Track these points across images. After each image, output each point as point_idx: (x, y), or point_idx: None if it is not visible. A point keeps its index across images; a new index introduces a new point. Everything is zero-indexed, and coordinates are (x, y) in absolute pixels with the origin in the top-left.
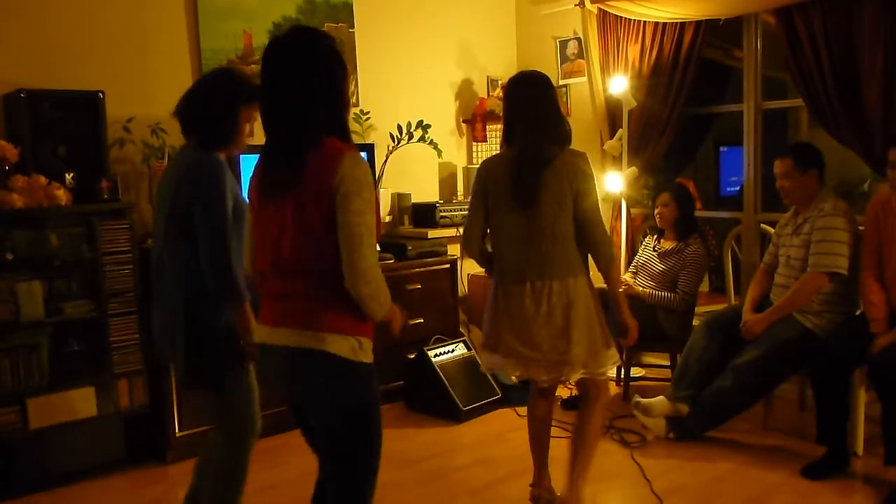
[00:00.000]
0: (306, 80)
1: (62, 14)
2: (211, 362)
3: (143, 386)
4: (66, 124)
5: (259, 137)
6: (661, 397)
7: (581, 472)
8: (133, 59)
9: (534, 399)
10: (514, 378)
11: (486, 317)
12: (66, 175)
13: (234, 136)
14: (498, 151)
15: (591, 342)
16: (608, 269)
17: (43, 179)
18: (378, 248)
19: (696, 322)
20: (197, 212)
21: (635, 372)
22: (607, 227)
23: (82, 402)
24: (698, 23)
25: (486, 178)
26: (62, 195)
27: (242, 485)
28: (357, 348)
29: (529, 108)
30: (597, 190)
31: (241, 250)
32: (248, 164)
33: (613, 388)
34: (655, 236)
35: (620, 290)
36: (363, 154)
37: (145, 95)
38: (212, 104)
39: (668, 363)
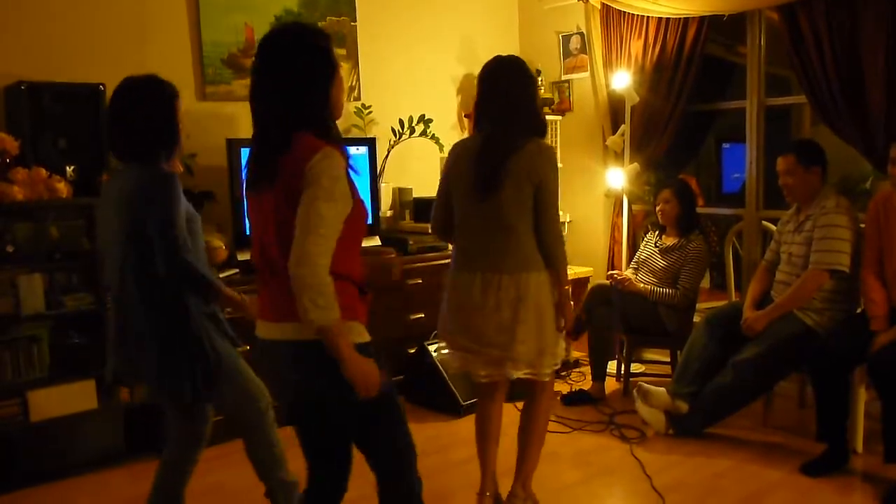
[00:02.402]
0: (286, 77)
1: (63, 6)
2: (203, 378)
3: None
4: (66, 117)
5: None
6: (662, 389)
7: (527, 474)
8: (134, 51)
9: (483, 398)
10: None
11: (440, 310)
12: (67, 168)
13: (178, 139)
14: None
15: (540, 341)
16: (558, 269)
17: (44, 172)
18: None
19: (696, 319)
20: (154, 227)
21: (635, 368)
22: (608, 223)
23: (83, 395)
24: (702, 19)
25: (452, 163)
26: (63, 188)
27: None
28: (361, 325)
29: (501, 93)
30: (558, 185)
31: (200, 249)
32: None
33: (613, 384)
34: (657, 232)
35: (566, 287)
36: (364, 148)
37: None
38: (157, 113)
39: (668, 359)
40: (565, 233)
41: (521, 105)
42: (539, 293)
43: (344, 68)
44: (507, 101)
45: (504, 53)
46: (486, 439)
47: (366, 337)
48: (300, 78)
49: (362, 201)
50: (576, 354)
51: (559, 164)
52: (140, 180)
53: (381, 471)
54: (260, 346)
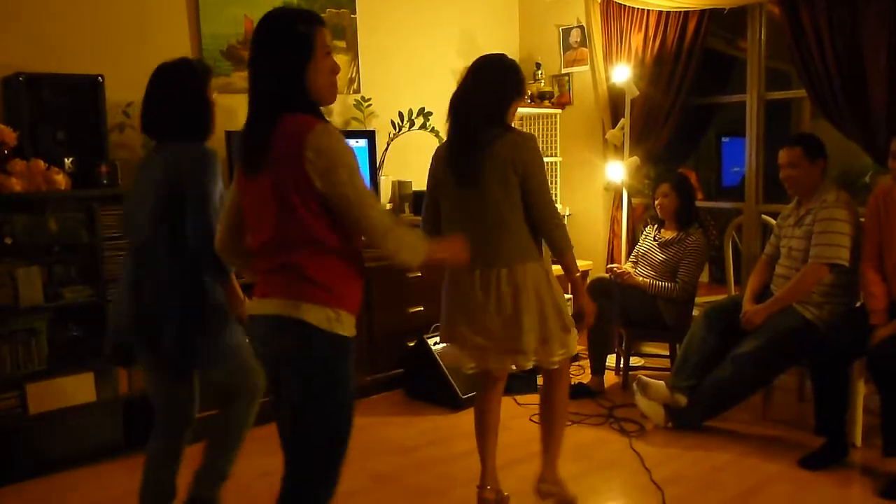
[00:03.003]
0: (262, 60)
1: None
2: (211, 339)
3: (142, 371)
4: (65, 109)
5: None
6: (661, 382)
7: (552, 458)
8: (133, 43)
9: (482, 391)
10: (468, 370)
11: (441, 307)
12: (66, 160)
13: (213, 120)
14: None
15: (543, 330)
16: (562, 255)
17: (42, 164)
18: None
19: (695, 312)
20: (191, 202)
21: (634, 361)
22: (608, 217)
23: (81, 387)
24: (702, 12)
25: (436, 165)
26: (61, 180)
27: None
28: (333, 319)
29: (473, 89)
30: (545, 171)
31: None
32: None
33: (612, 378)
34: (656, 226)
35: (577, 275)
36: (364, 141)
37: (145, 80)
38: (187, 98)
39: (667, 353)
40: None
41: (489, 98)
42: (537, 282)
43: (343, 61)
44: (477, 98)
45: (505, 47)
46: (485, 433)
47: (349, 331)
48: (274, 60)
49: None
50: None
51: (559, 158)
52: (184, 155)
53: (298, 470)
54: (249, 321)
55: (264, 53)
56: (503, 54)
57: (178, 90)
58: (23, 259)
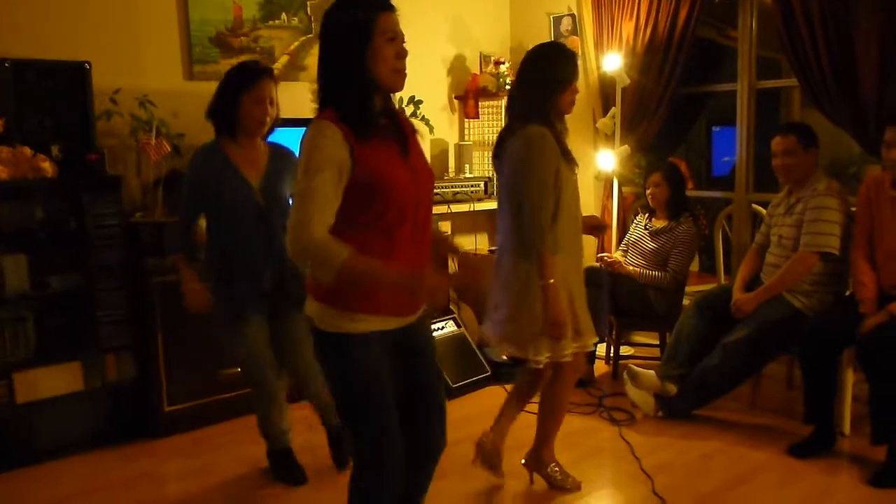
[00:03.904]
0: (320, 51)
1: None
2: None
3: (130, 360)
4: (51, 95)
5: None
6: (651, 371)
7: (539, 442)
8: (120, 28)
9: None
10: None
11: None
12: (52, 147)
13: (236, 122)
14: (490, 127)
15: (517, 329)
16: (534, 256)
17: (28, 151)
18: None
19: (686, 302)
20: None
21: (624, 351)
22: (598, 206)
23: (69, 376)
24: (693, 0)
25: None
26: (48, 167)
27: None
28: (323, 315)
29: (513, 85)
30: (534, 172)
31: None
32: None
33: (602, 367)
34: (647, 215)
35: (550, 281)
36: None
37: (133, 66)
38: (217, 97)
39: (657, 342)
40: None
41: (525, 91)
42: (524, 280)
43: None
44: (516, 89)
45: (495, 35)
46: (510, 400)
47: (338, 327)
48: (324, 51)
49: (381, 174)
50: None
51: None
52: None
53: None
54: None
55: (319, 45)
56: (547, 43)
57: (220, 90)
58: (9, 247)
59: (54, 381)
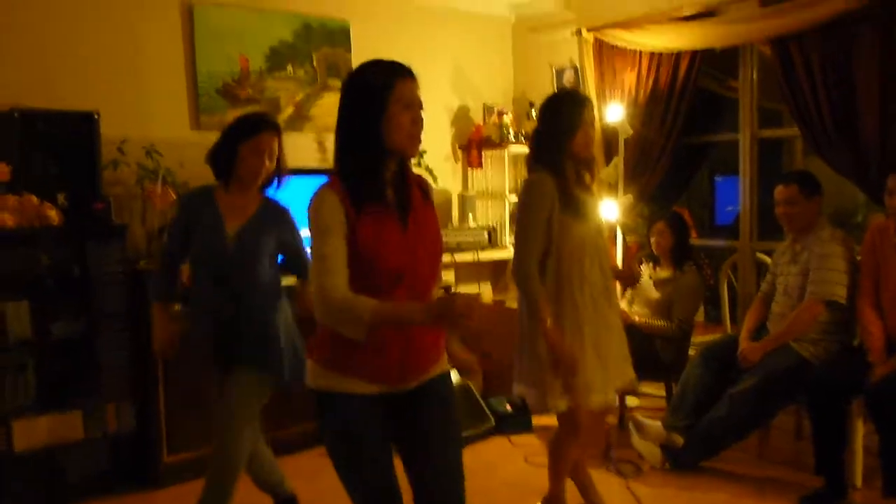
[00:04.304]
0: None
1: (58, 33)
2: None
3: (131, 409)
4: (59, 144)
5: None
6: (657, 422)
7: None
8: (128, 79)
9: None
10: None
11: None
12: (59, 195)
13: (232, 169)
14: (493, 178)
15: (523, 371)
16: (523, 298)
17: (35, 199)
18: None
19: (692, 352)
20: None
21: (631, 401)
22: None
23: (69, 424)
24: (694, 53)
25: None
26: (54, 215)
27: None
28: (312, 373)
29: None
30: (523, 214)
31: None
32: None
33: (608, 418)
34: (651, 264)
35: (546, 322)
36: None
37: (140, 117)
38: (218, 143)
39: (663, 392)
40: None
41: (538, 137)
42: (523, 322)
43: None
44: (531, 137)
45: (499, 86)
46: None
47: (320, 384)
48: (340, 115)
49: (370, 246)
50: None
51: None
52: None
53: None
54: None
55: (338, 109)
56: (556, 92)
57: (221, 137)
58: (12, 293)
59: (54, 429)
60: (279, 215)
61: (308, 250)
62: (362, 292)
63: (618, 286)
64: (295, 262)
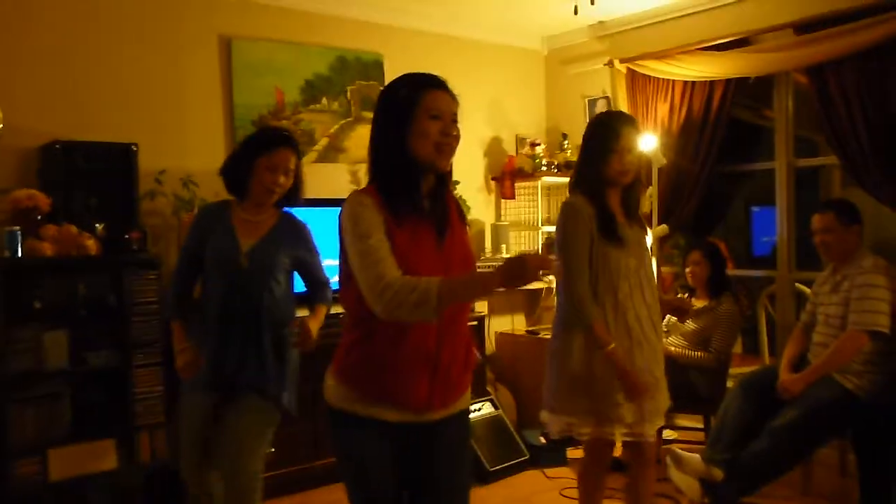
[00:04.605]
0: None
1: (98, 67)
2: None
3: (165, 439)
4: (99, 176)
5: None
6: (696, 455)
7: None
8: (167, 112)
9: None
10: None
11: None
12: (97, 225)
13: (246, 185)
14: (526, 207)
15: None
16: (585, 326)
17: (73, 229)
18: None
19: (729, 384)
20: None
21: (668, 435)
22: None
23: (103, 453)
24: (728, 81)
25: None
26: (92, 245)
27: None
28: (333, 391)
29: None
30: (565, 244)
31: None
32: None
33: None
34: (687, 295)
35: (610, 347)
36: None
37: (178, 148)
38: (233, 156)
39: (701, 426)
40: None
41: (577, 161)
42: (559, 350)
43: None
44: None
45: (531, 117)
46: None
47: (340, 403)
48: (372, 128)
49: (404, 257)
50: None
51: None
52: None
53: None
54: None
55: (371, 123)
56: (598, 114)
57: (235, 152)
58: (50, 323)
59: (88, 458)
60: (297, 231)
61: (335, 262)
62: (375, 322)
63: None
64: (310, 281)
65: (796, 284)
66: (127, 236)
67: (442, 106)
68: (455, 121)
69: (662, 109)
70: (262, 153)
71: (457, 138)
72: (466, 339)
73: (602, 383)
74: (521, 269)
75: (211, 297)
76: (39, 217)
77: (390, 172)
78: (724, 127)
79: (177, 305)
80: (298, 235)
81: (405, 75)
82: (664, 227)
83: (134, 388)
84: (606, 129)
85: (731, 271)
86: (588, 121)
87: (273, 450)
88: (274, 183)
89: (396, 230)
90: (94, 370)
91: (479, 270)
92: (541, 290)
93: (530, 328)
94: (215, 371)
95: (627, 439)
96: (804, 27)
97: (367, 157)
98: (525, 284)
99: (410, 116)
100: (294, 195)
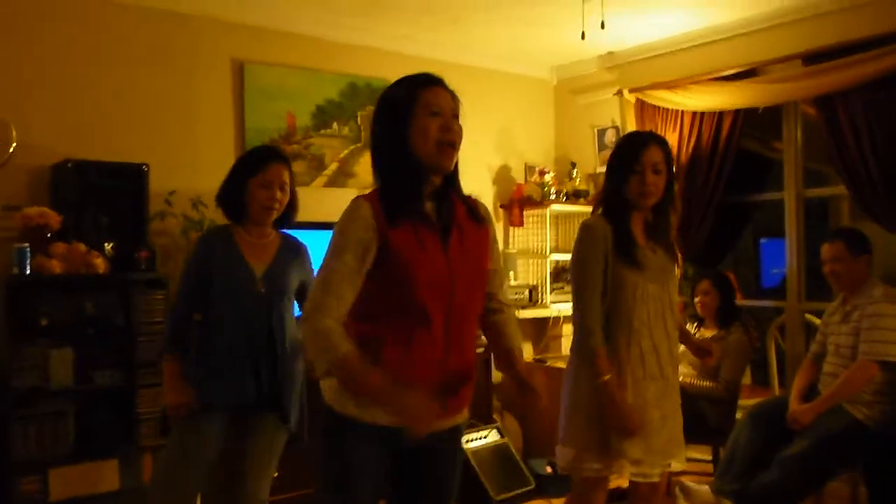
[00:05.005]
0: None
1: (112, 87)
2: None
3: None
4: (110, 195)
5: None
6: (706, 486)
7: None
8: (179, 133)
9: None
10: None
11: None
12: (106, 244)
13: (244, 208)
14: (534, 235)
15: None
16: (585, 351)
17: (83, 247)
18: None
19: (739, 414)
20: None
21: (676, 465)
22: None
23: (105, 474)
24: (737, 112)
25: None
26: (100, 263)
27: None
28: (331, 391)
29: None
30: (577, 266)
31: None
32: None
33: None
34: (696, 324)
35: (604, 378)
36: None
37: (189, 169)
38: (225, 182)
39: (710, 457)
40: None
41: (603, 181)
42: (571, 376)
43: None
44: None
45: (540, 145)
46: None
47: (351, 410)
48: (371, 132)
49: (409, 263)
50: None
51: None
52: None
53: None
54: None
55: (370, 128)
56: (629, 132)
57: (229, 175)
58: (57, 340)
59: (90, 478)
60: (301, 253)
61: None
62: (396, 318)
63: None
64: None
65: (806, 315)
66: (136, 255)
67: (441, 102)
68: (456, 117)
69: (671, 140)
70: (254, 172)
71: (459, 135)
72: (473, 351)
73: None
74: (405, 408)
75: (224, 324)
76: (49, 235)
77: (392, 174)
78: (732, 157)
79: (175, 340)
80: (303, 258)
81: (402, 77)
82: None
83: (139, 409)
84: (628, 149)
85: (741, 301)
86: (597, 150)
87: (277, 474)
88: (271, 199)
89: (393, 234)
90: (100, 389)
91: (369, 377)
92: (548, 318)
93: (538, 356)
94: (236, 396)
95: (635, 479)
96: (812, 58)
97: (371, 163)
98: (409, 421)
99: (410, 114)
100: (290, 211)
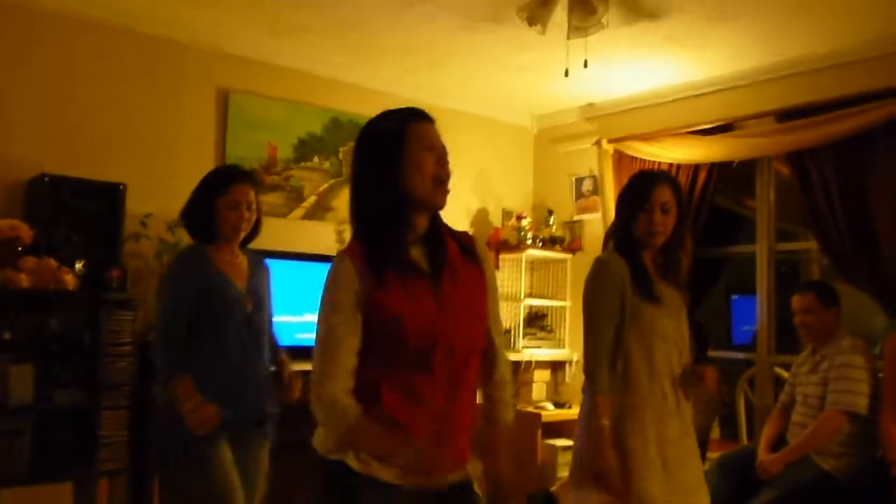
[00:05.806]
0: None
1: (95, 105)
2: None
3: (125, 486)
4: (85, 213)
5: None
6: None
7: None
8: (159, 156)
9: None
10: None
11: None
12: (77, 262)
13: (211, 228)
14: (509, 281)
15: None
16: (588, 390)
17: (53, 263)
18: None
19: (706, 466)
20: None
21: None
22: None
23: (59, 497)
24: (711, 166)
25: None
26: (70, 280)
27: None
28: (322, 439)
29: None
30: (592, 299)
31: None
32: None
33: None
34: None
35: (602, 422)
36: None
37: (166, 193)
38: (190, 201)
39: None
40: (573, 372)
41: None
42: (584, 415)
43: None
44: None
45: (518, 192)
46: None
47: (358, 466)
48: (352, 170)
49: (398, 316)
50: None
51: (568, 302)
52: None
53: None
54: None
55: (352, 165)
56: (640, 171)
57: (195, 194)
58: (18, 356)
59: (43, 501)
60: (267, 271)
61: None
62: (392, 369)
63: None
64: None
65: (775, 368)
66: (107, 275)
67: (433, 138)
68: (446, 153)
69: None
70: (220, 192)
71: (449, 174)
72: (473, 399)
73: (626, 455)
74: (421, 465)
75: (218, 343)
76: (20, 248)
77: (376, 216)
78: (707, 211)
79: (182, 359)
80: (267, 272)
81: (386, 111)
82: None
83: (100, 431)
84: (639, 187)
85: (711, 353)
86: (574, 198)
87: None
88: (239, 220)
89: (380, 288)
90: (60, 408)
91: (382, 441)
92: (520, 363)
93: None
94: (242, 415)
95: None
96: (785, 115)
97: (350, 205)
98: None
99: (401, 149)
100: (254, 231)
